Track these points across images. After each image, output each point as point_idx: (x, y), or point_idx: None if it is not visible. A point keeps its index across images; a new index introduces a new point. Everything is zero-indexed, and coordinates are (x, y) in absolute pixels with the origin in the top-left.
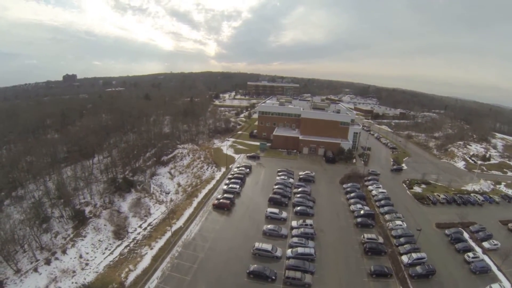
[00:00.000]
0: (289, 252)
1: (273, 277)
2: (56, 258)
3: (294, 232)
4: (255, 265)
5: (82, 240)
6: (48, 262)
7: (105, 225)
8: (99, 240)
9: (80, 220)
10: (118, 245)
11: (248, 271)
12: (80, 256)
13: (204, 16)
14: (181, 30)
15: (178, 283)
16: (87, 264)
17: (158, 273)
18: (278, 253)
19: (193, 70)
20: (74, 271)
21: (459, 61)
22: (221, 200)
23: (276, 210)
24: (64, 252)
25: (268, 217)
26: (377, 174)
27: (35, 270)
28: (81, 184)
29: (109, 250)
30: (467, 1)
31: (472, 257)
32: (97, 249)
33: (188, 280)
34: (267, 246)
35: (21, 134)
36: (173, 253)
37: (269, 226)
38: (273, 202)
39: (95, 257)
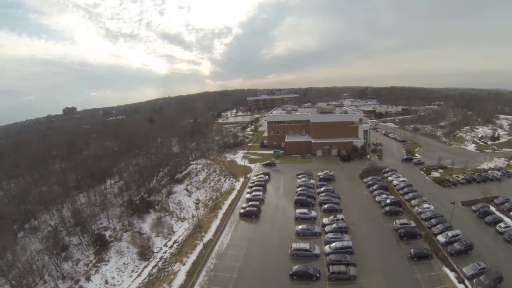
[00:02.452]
0: (327, 248)
1: (317, 275)
2: (81, 287)
3: (328, 228)
4: (297, 266)
5: (106, 265)
6: None
7: (128, 247)
8: (124, 263)
9: (101, 245)
10: (145, 266)
11: (290, 272)
12: (106, 282)
13: (195, 36)
14: (174, 52)
15: None
16: None
17: None
18: (317, 251)
19: (190, 92)
20: None
21: (452, 51)
22: (247, 208)
23: (305, 210)
24: (88, 279)
25: (297, 218)
26: (418, 160)
27: None
28: (97, 210)
29: (136, 272)
30: None
31: (504, 227)
32: (123, 272)
33: None
34: (305, 245)
35: (28, 166)
36: (208, 265)
37: (302, 226)
38: (299, 204)
39: (122, 281)
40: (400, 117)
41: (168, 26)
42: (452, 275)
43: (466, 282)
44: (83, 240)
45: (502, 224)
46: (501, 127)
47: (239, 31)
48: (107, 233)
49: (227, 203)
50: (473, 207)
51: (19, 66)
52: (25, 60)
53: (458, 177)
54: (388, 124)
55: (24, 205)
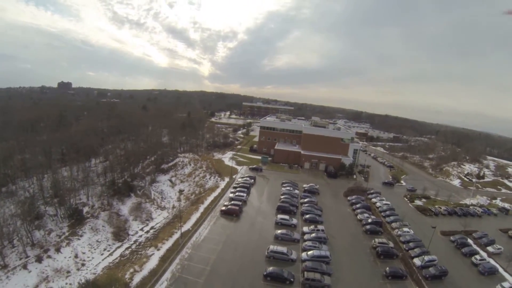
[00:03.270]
0: (304, 255)
1: (291, 279)
2: (49, 256)
3: (307, 236)
4: (273, 267)
5: (79, 239)
6: (39, 259)
7: (103, 226)
8: (97, 241)
9: (77, 219)
10: (118, 247)
11: (265, 273)
12: (76, 256)
13: (200, 35)
14: (177, 47)
15: (191, 285)
16: (83, 265)
17: (167, 275)
18: (293, 256)
19: (187, 89)
20: (68, 271)
21: (449, 89)
22: (229, 207)
23: (286, 217)
24: (58, 250)
25: (278, 223)
26: (412, 187)
27: (24, 267)
28: (78, 186)
29: (108, 251)
30: (458, 31)
31: (480, 259)
32: (94, 249)
33: (201, 283)
34: (283, 249)
35: (15, 132)
36: (183, 254)
37: (281, 231)
38: (281, 210)
39: (93, 257)
40: (391, 143)
41: (175, 20)
42: None
43: None
44: (59, 212)
45: (477, 256)
46: (487, 167)
47: (244, 37)
48: (85, 209)
49: (209, 199)
50: (452, 238)
51: (21, 33)
52: (28, 28)
53: (440, 208)
54: (378, 148)
55: (4, 169)
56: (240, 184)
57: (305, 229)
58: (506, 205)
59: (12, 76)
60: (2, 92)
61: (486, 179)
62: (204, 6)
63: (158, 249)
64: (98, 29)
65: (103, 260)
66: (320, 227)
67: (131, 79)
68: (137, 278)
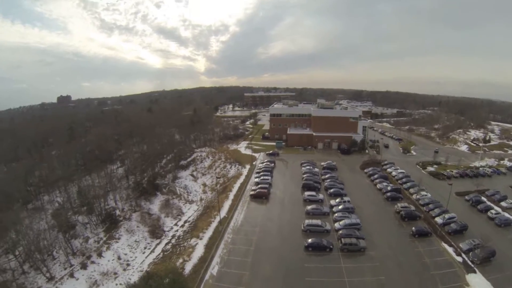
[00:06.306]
0: (337, 225)
1: (331, 247)
2: (93, 262)
3: (335, 209)
4: (312, 238)
5: (117, 242)
6: (84, 266)
7: (138, 226)
8: (136, 241)
9: (111, 223)
10: (158, 244)
11: (306, 244)
12: (119, 258)
13: (191, 32)
14: (169, 47)
15: (240, 265)
16: (128, 265)
17: (216, 259)
18: (328, 227)
19: (185, 87)
20: (115, 273)
21: (447, 59)
22: (258, 190)
23: (313, 193)
24: (99, 255)
25: (306, 200)
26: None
27: (71, 275)
28: (102, 192)
29: (149, 249)
30: (453, 2)
31: (495, 213)
32: (135, 249)
33: (250, 262)
34: (317, 222)
35: (28, 150)
36: (226, 239)
37: (311, 206)
38: (306, 188)
39: (135, 257)
40: (395, 118)
41: (164, 20)
42: (450, 250)
43: (463, 255)
44: (91, 219)
45: (493, 211)
46: (492, 131)
47: (236, 29)
48: (116, 213)
49: (236, 186)
50: (466, 197)
51: (12, 53)
52: (18, 48)
53: (452, 171)
54: (384, 124)
55: (26, 187)
56: (263, 169)
57: (332, 202)
58: None
59: (10, 98)
60: (3, 114)
61: (493, 143)
62: (192, 2)
63: (201, 239)
64: (88, 39)
65: (146, 258)
66: (346, 198)
67: (127, 84)
68: (188, 267)
